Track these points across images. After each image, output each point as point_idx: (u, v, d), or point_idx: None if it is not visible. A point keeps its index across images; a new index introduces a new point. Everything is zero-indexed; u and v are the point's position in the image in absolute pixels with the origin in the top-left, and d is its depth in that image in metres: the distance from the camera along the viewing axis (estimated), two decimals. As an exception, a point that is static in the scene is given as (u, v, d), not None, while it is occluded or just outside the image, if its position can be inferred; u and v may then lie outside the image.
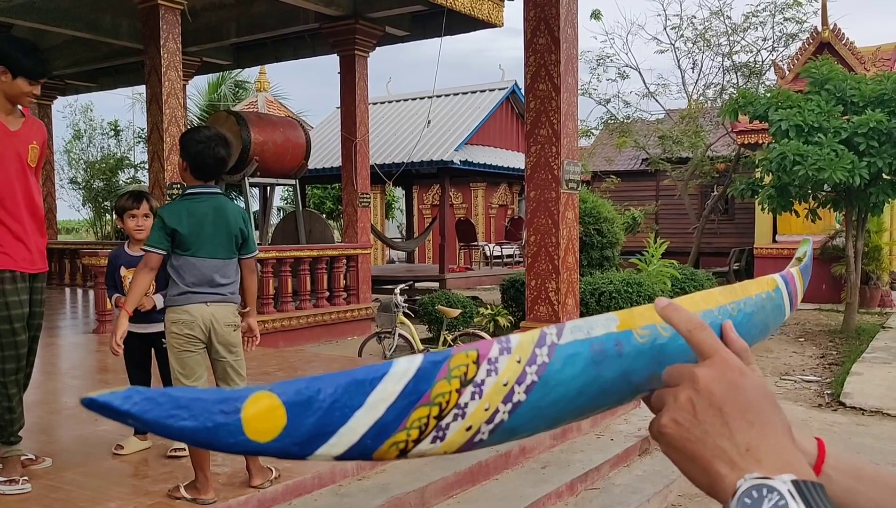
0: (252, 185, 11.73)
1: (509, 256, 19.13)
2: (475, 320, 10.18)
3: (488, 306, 10.81)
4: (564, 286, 6.87)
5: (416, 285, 14.16)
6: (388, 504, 4.03)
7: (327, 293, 10.47)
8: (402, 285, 10.28)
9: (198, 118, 21.92)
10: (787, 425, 0.67)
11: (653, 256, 11.62)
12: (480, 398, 0.64)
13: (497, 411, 0.65)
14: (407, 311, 8.87)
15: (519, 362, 0.66)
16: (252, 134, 10.90)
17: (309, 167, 12.69)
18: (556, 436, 5.33)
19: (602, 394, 0.71)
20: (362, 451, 0.62)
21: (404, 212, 20.97)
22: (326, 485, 4.21)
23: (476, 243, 19.54)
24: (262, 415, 0.58)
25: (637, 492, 4.88)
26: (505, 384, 0.65)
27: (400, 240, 20.81)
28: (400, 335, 8.50)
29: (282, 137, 11.37)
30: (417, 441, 0.63)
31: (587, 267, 11.16)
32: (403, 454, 0.64)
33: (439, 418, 0.63)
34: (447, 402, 0.63)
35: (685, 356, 0.74)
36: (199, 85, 23.44)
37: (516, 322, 9.85)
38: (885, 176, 10.91)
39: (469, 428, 0.65)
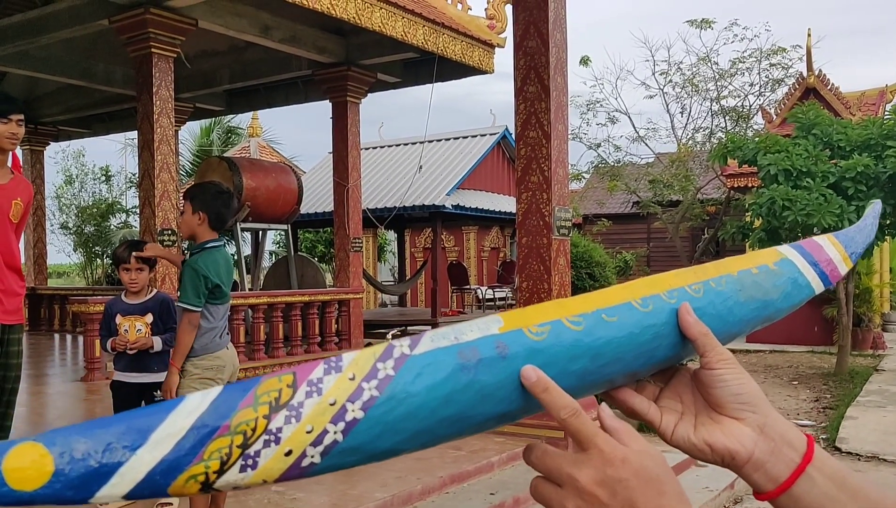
0: (244, 230, 11.73)
1: (502, 299, 19.09)
2: (467, 365, 10.10)
3: (481, 351, 10.74)
4: (557, 332, 6.84)
5: (409, 328, 14.10)
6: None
7: (319, 338, 10.41)
8: (394, 330, 10.23)
9: (190, 163, 21.98)
10: (679, 493, 0.66)
11: (645, 300, 11.60)
12: (298, 420, 0.61)
13: (325, 431, 0.62)
14: (399, 357, 8.80)
15: (352, 378, 0.63)
16: (244, 179, 10.92)
17: (301, 212, 12.71)
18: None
19: (486, 400, 0.66)
20: (153, 488, 0.60)
21: (396, 255, 20.98)
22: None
23: (468, 287, 19.51)
24: (25, 464, 0.57)
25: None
26: (332, 404, 0.62)
27: (391, 283, 20.78)
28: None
29: (274, 183, 11.40)
30: (221, 473, 0.60)
31: (579, 311, 11.12)
32: (207, 486, 0.61)
33: (244, 446, 0.60)
34: (252, 429, 0.60)
35: (610, 348, 0.71)
36: (191, 130, 23.58)
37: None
38: (873, 220, 10.97)
39: (289, 453, 0.61)
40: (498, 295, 19.18)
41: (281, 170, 12.05)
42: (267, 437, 0.61)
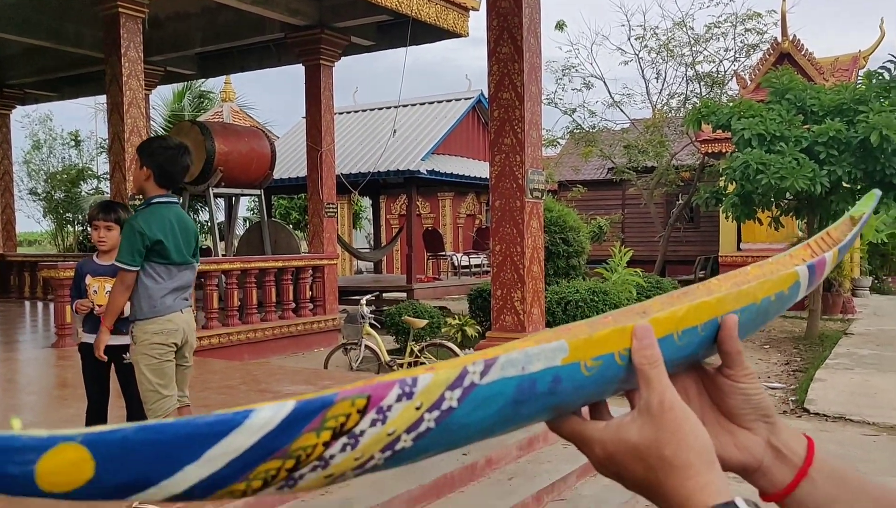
0: (217, 196, 11.61)
1: (477, 266, 19.12)
2: (442, 330, 10.14)
3: (456, 317, 10.77)
4: (530, 296, 6.86)
5: (384, 295, 14.09)
6: (352, 518, 3.97)
7: (293, 305, 10.38)
8: (368, 296, 10.21)
9: (162, 128, 21.67)
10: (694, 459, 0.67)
11: (618, 264, 11.67)
12: (353, 449, 0.58)
13: (371, 458, 0.59)
14: (373, 322, 8.81)
15: (418, 408, 0.59)
16: (216, 144, 10.79)
17: (274, 177, 12.61)
18: (522, 447, 5.30)
19: (513, 423, 0.66)
20: (187, 499, 0.56)
21: (371, 222, 20.90)
22: (288, 501, 4.13)
23: (444, 253, 19.50)
24: (63, 469, 0.52)
25: (604, 503, 4.86)
26: (390, 434, 0.59)
27: (367, 250, 20.73)
28: (366, 347, 8.43)
29: (247, 147, 11.28)
30: (258, 490, 0.57)
31: (553, 276, 11.17)
32: (237, 497, 0.58)
33: (293, 469, 0.57)
34: (308, 455, 0.57)
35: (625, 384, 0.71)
36: (162, 94, 23.22)
37: (483, 332, 9.83)
38: (844, 184, 11.08)
39: (329, 476, 0.59)
40: (474, 262, 19.20)
41: (254, 134, 11.92)
42: (317, 463, 0.57)
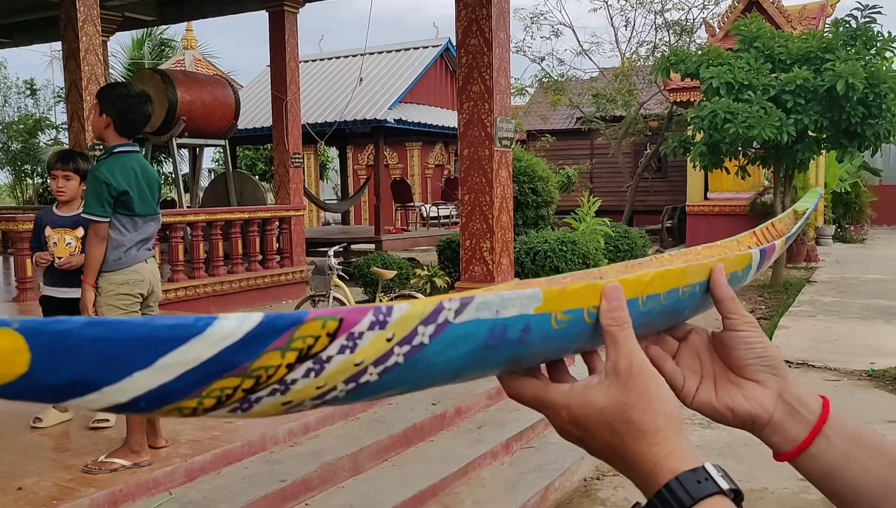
0: (180, 146, 11.38)
1: (446, 216, 19.05)
2: (411, 281, 10.11)
3: (425, 268, 10.74)
4: (499, 246, 6.83)
5: (352, 246, 14.00)
6: (322, 469, 3.95)
7: (260, 257, 10.26)
8: (336, 247, 10.13)
9: (121, 76, 21.13)
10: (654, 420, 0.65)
11: (586, 214, 11.68)
12: (317, 376, 0.53)
13: (333, 389, 0.55)
14: (341, 274, 8.73)
15: (390, 340, 0.55)
16: (179, 93, 10.53)
17: (239, 127, 12.38)
18: (491, 396, 5.32)
19: (474, 372, 0.63)
20: (130, 410, 0.51)
21: (339, 173, 20.70)
22: (257, 452, 4.11)
23: (412, 204, 19.39)
24: None
25: (572, 450, 4.90)
26: (357, 365, 0.55)
27: (334, 201, 20.56)
28: (335, 299, 8.37)
29: (210, 96, 11.03)
30: (209, 410, 0.52)
31: (522, 226, 11.16)
32: (186, 415, 0.53)
33: (251, 391, 0.52)
34: (269, 376, 0.52)
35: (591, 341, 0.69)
36: (122, 42, 22.61)
37: (452, 283, 9.82)
38: (810, 133, 11.14)
39: (287, 403, 0.55)
40: (442, 212, 19.13)
41: (217, 83, 11.66)
42: (277, 387, 0.53)
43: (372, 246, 13.59)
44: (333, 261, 8.63)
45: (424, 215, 19.33)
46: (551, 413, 0.68)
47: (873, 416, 5.79)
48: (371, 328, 0.54)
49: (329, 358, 0.53)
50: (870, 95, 10.27)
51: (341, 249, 12.24)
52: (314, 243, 12.91)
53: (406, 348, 0.56)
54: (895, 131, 10.86)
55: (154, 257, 3.96)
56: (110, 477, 3.51)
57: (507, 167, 6.76)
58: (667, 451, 0.63)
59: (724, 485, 0.61)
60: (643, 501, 0.64)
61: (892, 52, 10.85)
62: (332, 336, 0.53)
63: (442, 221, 18.73)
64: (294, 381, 0.53)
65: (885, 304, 10.37)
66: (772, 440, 0.77)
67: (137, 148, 3.92)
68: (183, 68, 18.81)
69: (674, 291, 0.74)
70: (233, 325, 0.50)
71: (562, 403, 0.67)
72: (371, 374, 0.56)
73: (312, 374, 0.53)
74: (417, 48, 16.74)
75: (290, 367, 0.52)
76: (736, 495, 0.62)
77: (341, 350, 0.54)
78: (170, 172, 18.48)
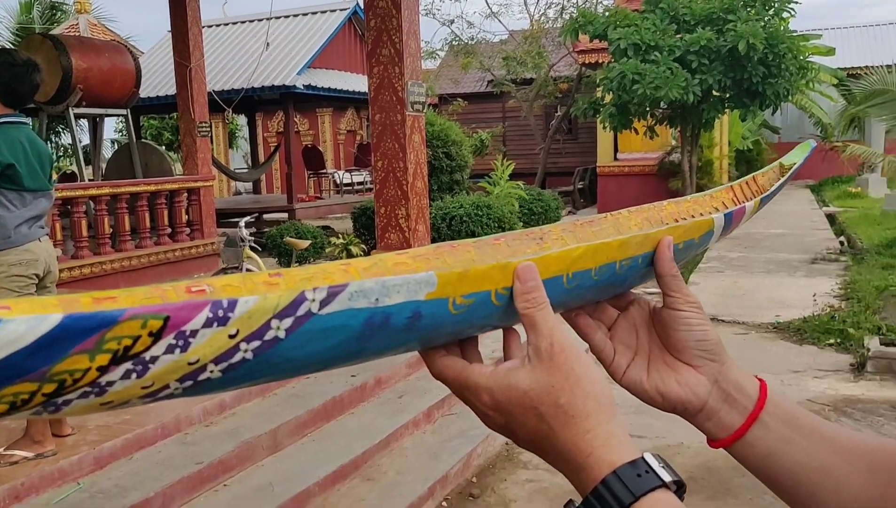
0: (78, 116, 10.86)
1: (360, 183, 18.84)
2: (327, 250, 9.97)
3: (340, 236, 10.60)
4: (414, 212, 6.77)
5: (264, 216, 13.72)
6: (239, 449, 3.86)
7: (169, 230, 9.95)
8: (247, 218, 9.89)
9: (9, 43, 20.00)
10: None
11: (500, 178, 11.72)
12: (140, 377, 0.47)
13: (166, 387, 0.49)
14: (254, 245, 8.53)
15: (233, 336, 0.49)
16: (73, 59, 10.01)
17: (142, 96, 11.90)
18: (411, 364, 5.29)
19: (352, 361, 0.58)
20: None
21: (248, 141, 20.22)
22: (171, 434, 3.98)
23: (325, 171, 19.11)
24: None
25: (492, 414, 4.92)
26: (192, 363, 0.49)
27: (244, 170, 20.10)
28: (247, 270, 8.18)
29: (108, 63, 10.53)
30: (5, 414, 0.46)
31: (437, 192, 11.12)
32: None
33: (54, 395, 0.45)
34: (76, 380, 0.45)
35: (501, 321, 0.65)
36: (7, 5, 21.39)
37: (369, 250, 9.73)
38: (715, 93, 11.41)
39: (107, 403, 0.48)
40: (356, 179, 18.90)
41: (115, 49, 11.13)
42: (89, 389, 0.46)
43: (285, 215, 13.34)
44: (245, 232, 8.42)
45: (338, 181, 19.07)
46: (473, 397, 0.64)
47: (780, 366, 6.01)
48: (208, 324, 0.48)
49: (154, 358, 0.47)
50: (769, 55, 10.57)
51: (253, 219, 11.97)
52: (225, 214, 12.59)
53: (256, 343, 0.50)
54: (793, 90, 11.23)
55: (47, 234, 3.75)
56: (10, 471, 3.34)
57: (419, 132, 6.68)
58: (601, 440, 0.59)
59: (667, 477, 0.57)
60: (577, 499, 0.60)
61: (790, 12, 11.18)
62: (157, 336, 0.47)
63: (356, 187, 18.52)
64: (111, 383, 0.47)
65: (787, 258, 10.77)
66: (706, 426, 0.74)
67: (25, 119, 3.72)
68: (77, 34, 17.93)
69: (609, 264, 0.69)
70: (21, 329, 0.43)
71: (483, 386, 0.62)
72: (212, 371, 0.50)
73: (134, 375, 0.47)
74: (325, 11, 16.38)
75: (103, 370, 0.46)
76: (679, 486, 0.58)
77: (169, 350, 0.47)
78: (69, 144, 17.67)
